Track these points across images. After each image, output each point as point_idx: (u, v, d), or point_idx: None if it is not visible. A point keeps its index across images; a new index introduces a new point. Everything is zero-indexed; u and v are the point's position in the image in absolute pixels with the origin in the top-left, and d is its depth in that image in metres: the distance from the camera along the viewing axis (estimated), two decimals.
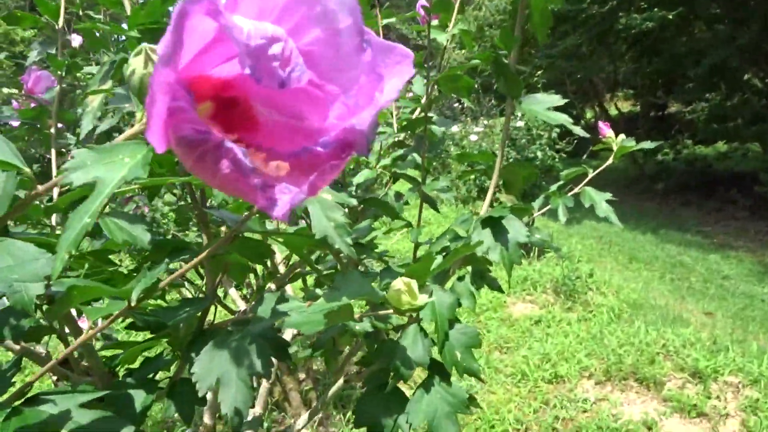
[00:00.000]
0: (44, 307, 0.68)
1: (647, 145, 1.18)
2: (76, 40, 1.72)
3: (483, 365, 3.27)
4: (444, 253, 0.80)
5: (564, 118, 0.77)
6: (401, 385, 0.83)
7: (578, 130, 0.78)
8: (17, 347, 0.76)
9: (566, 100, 0.80)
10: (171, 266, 0.73)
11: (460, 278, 0.87)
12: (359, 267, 0.90)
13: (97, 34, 1.19)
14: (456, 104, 9.07)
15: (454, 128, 7.10)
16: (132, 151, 0.30)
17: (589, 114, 12.94)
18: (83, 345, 0.65)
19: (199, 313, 0.71)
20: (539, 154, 5.94)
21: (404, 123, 1.03)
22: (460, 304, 0.85)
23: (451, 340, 0.80)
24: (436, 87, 0.96)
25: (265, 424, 2.65)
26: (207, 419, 0.91)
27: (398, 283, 0.49)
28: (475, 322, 3.82)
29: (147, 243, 0.62)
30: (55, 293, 0.46)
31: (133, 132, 0.32)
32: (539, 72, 6.57)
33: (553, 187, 1.21)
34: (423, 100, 1.01)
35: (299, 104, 0.27)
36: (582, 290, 4.24)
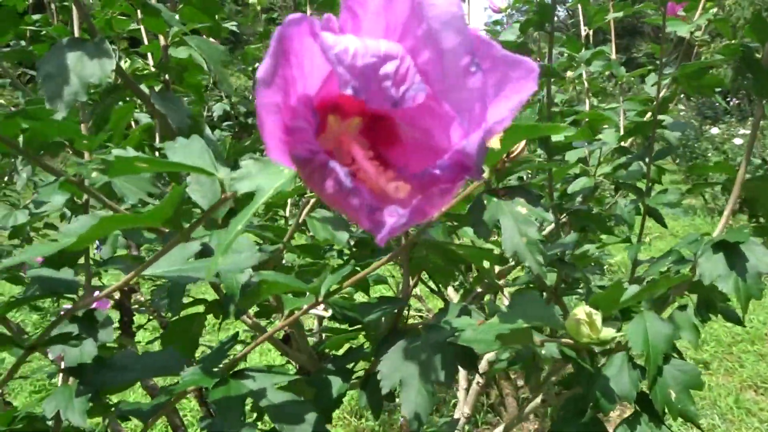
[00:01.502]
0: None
1: None
2: None
3: (732, 404, 2.83)
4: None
5: None
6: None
7: None
8: (249, 321, 0.88)
9: None
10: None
11: (682, 307, 0.76)
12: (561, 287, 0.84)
13: None
14: (717, 103, 7.95)
15: (715, 130, 6.24)
16: None
17: None
18: (291, 326, 0.72)
19: (395, 311, 0.73)
20: None
21: (630, 127, 0.93)
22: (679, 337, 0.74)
23: (665, 376, 0.70)
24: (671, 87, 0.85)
25: (467, 428, 2.64)
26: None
27: (579, 312, 0.44)
28: (726, 354, 3.32)
29: (344, 242, 0.67)
30: (254, 283, 0.52)
31: None
32: None
33: None
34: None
35: (428, 120, 0.26)
36: None
